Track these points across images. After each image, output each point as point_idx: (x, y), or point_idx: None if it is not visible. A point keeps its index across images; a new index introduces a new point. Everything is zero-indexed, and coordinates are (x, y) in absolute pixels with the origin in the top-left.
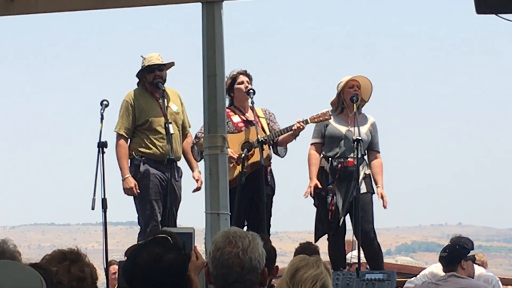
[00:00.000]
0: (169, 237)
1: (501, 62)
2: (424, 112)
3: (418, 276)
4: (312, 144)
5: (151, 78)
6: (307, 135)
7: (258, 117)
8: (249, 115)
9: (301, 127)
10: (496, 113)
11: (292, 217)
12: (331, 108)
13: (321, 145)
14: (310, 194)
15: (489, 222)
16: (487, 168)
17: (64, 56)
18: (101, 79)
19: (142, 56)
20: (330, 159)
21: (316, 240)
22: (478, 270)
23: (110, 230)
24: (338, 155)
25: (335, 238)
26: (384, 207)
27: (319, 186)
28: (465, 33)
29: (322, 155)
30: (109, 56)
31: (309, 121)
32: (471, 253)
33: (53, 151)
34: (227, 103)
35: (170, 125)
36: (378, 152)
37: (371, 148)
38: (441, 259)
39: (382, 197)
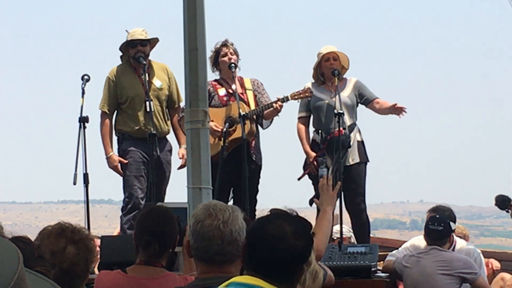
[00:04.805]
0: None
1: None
2: (386, 89)
3: (399, 249)
4: (298, 118)
5: (133, 53)
6: (293, 110)
7: (245, 89)
8: (236, 88)
9: (279, 107)
10: (458, 91)
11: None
12: (311, 84)
13: (308, 118)
14: (314, 168)
15: (450, 200)
16: (448, 146)
17: (44, 30)
18: (83, 53)
19: (126, 31)
20: (320, 131)
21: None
22: (459, 243)
23: (73, 208)
24: (325, 126)
25: None
26: (403, 111)
27: (314, 157)
28: (463, 12)
29: (314, 128)
30: (91, 31)
31: (289, 98)
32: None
33: (16, 128)
34: (216, 76)
35: (151, 103)
36: (378, 98)
37: (370, 100)
38: (435, 233)
39: (396, 107)
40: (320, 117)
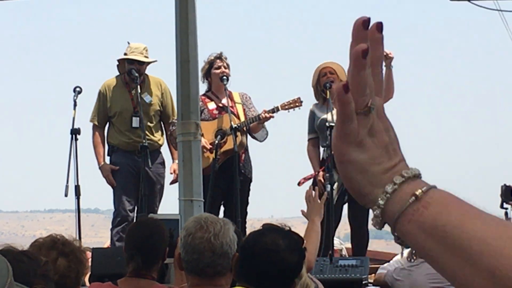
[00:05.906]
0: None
1: (470, 47)
2: None
3: (390, 261)
4: (308, 140)
5: (129, 68)
6: (285, 124)
7: (235, 102)
8: (225, 101)
9: (268, 117)
10: (446, 92)
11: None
12: (313, 106)
13: (317, 139)
14: (322, 185)
15: None
16: (434, 152)
17: (37, 41)
18: (75, 65)
19: (128, 42)
20: (325, 148)
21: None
22: None
23: (60, 217)
24: (328, 143)
25: (326, 227)
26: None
27: (322, 174)
28: (438, 20)
29: (322, 147)
30: (83, 42)
31: (279, 109)
32: None
33: (4, 137)
34: (205, 88)
35: (136, 118)
36: None
37: None
38: None
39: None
40: (324, 135)
